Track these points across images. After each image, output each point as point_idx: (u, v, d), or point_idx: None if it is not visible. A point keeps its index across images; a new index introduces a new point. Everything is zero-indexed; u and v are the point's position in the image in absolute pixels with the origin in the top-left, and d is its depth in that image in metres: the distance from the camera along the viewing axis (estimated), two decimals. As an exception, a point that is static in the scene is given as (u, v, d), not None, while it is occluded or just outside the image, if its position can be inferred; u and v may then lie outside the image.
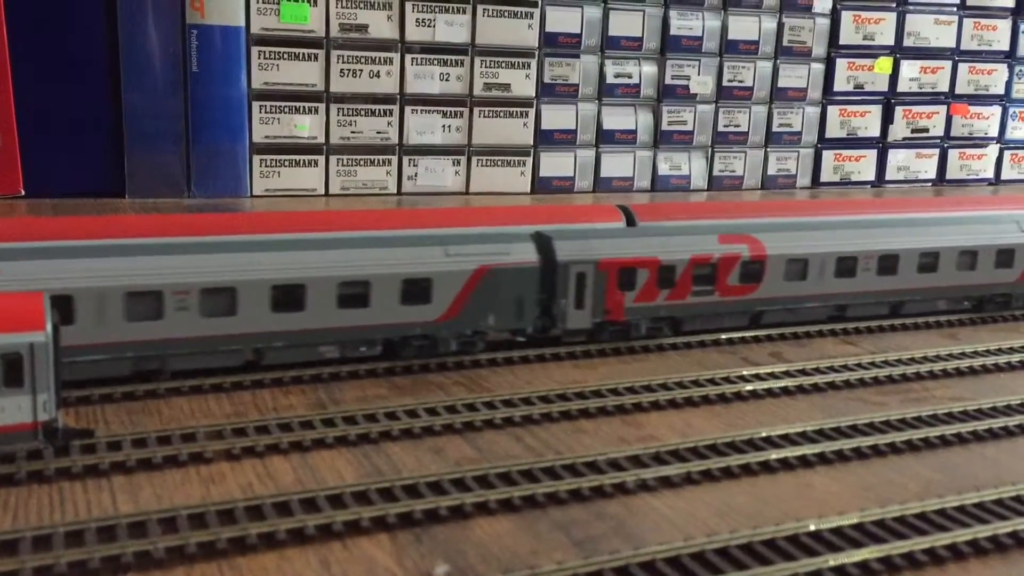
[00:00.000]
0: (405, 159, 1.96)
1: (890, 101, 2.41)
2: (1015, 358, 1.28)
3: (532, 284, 1.17)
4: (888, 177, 2.44)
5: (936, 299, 1.46)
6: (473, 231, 1.22)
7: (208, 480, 0.86)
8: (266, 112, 1.86)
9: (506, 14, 1.98)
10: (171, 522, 0.77)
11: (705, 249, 1.28)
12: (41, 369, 0.84)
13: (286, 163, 1.88)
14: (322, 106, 1.89)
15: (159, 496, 0.82)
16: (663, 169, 2.19)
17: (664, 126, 2.17)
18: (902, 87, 2.41)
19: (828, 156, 2.37)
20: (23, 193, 1.73)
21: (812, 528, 0.80)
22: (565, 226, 1.27)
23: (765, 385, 1.14)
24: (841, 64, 2.33)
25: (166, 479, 0.86)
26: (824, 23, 2.29)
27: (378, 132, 1.93)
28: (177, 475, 0.86)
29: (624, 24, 2.09)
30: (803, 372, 1.19)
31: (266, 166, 1.87)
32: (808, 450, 0.95)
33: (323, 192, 1.91)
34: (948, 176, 2.51)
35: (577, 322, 1.21)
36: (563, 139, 2.08)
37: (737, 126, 2.25)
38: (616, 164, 2.14)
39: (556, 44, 2.04)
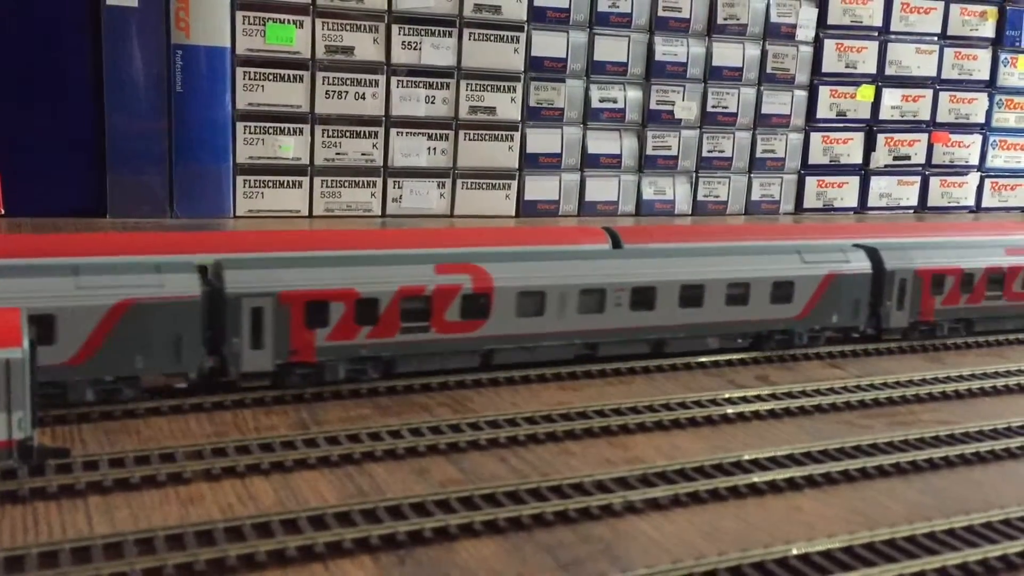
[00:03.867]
0: (390, 181, 1.96)
1: (872, 128, 2.43)
2: (1000, 382, 1.28)
3: (866, 289, 1.40)
4: (870, 204, 2.45)
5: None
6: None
7: (187, 501, 0.84)
8: (250, 133, 1.85)
9: (492, 38, 1.99)
10: (148, 543, 0.75)
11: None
12: (17, 386, 0.82)
13: (270, 184, 1.87)
14: (307, 127, 1.88)
15: (136, 517, 0.81)
16: (647, 194, 2.20)
17: (649, 151, 2.18)
18: (884, 115, 2.43)
19: (811, 182, 2.39)
20: (2, 212, 1.71)
21: (801, 551, 0.79)
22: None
23: (752, 407, 1.13)
24: (824, 91, 2.35)
25: (144, 500, 0.84)
26: (807, 51, 2.31)
27: (363, 154, 1.93)
28: (155, 496, 0.85)
29: (609, 49, 2.10)
30: (789, 395, 1.18)
31: (250, 187, 1.86)
32: (796, 473, 0.95)
33: (307, 213, 1.90)
34: (930, 203, 2.53)
35: (897, 321, 1.43)
36: (548, 163, 2.08)
37: (721, 151, 2.26)
38: (601, 188, 2.14)
39: (542, 68, 2.04)
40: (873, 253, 1.40)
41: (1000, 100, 2.55)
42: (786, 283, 1.33)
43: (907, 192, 2.50)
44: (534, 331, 1.19)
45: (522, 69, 2.02)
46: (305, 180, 1.90)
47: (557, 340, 1.21)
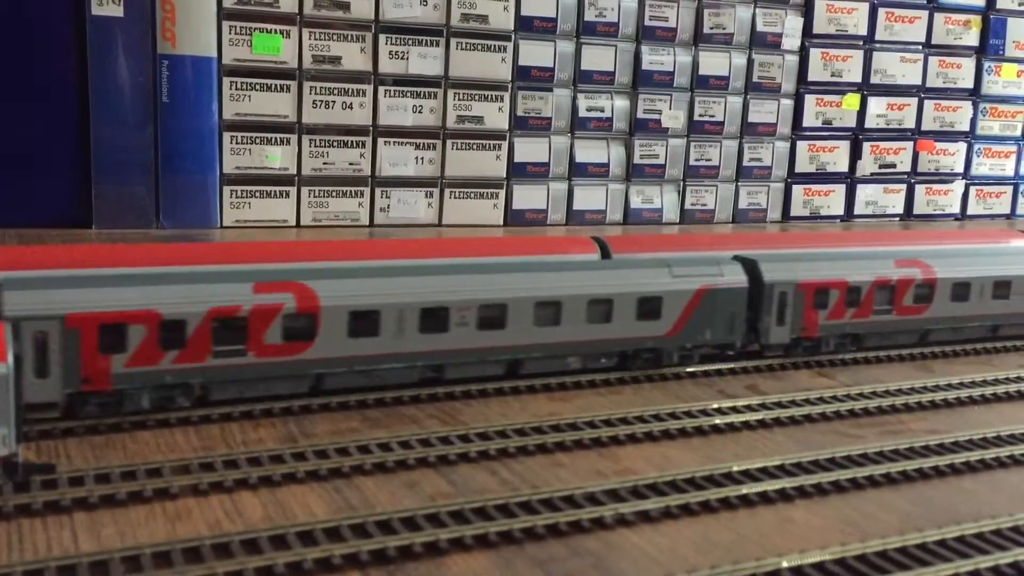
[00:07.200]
0: (378, 191, 1.95)
1: (858, 137, 2.44)
2: (988, 391, 1.28)
3: None
4: (857, 212, 2.46)
5: None
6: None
7: (174, 517, 0.83)
8: (237, 143, 1.84)
9: (479, 47, 1.98)
10: (135, 561, 0.74)
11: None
12: (1, 403, 0.81)
13: (257, 194, 1.86)
14: (294, 137, 1.87)
15: (122, 534, 0.80)
16: (635, 202, 2.20)
17: (636, 159, 2.18)
18: (869, 123, 2.44)
19: (798, 191, 2.39)
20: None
21: (794, 563, 0.79)
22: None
23: (742, 418, 1.13)
24: (810, 100, 2.36)
25: (130, 516, 0.83)
26: (793, 60, 2.32)
27: (350, 164, 1.92)
28: (142, 512, 0.84)
29: (596, 59, 2.10)
30: (779, 404, 1.18)
31: (237, 197, 1.85)
32: (787, 483, 0.94)
33: (294, 224, 1.90)
34: (915, 211, 2.54)
35: None
36: (536, 172, 2.08)
37: (708, 160, 2.27)
38: (589, 197, 2.14)
39: (529, 78, 2.04)
40: None
41: (984, 108, 2.57)
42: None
43: (893, 200, 2.51)
44: None
45: (509, 78, 2.02)
46: (292, 190, 1.89)
47: None
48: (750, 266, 1.33)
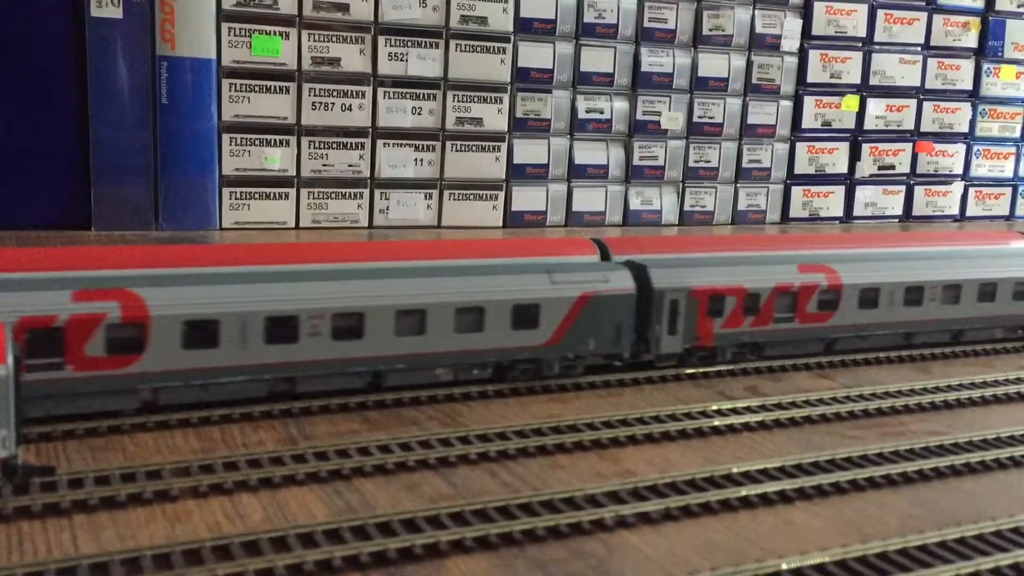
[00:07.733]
0: (377, 192, 1.95)
1: (857, 138, 2.44)
2: (988, 392, 1.28)
3: None
4: (856, 213, 2.46)
5: None
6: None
7: (174, 519, 0.83)
8: (236, 145, 1.84)
9: (479, 49, 1.98)
10: (135, 563, 0.74)
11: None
12: (1, 404, 0.81)
13: (256, 196, 1.86)
14: (293, 139, 1.87)
15: (122, 536, 0.80)
16: (634, 204, 2.20)
17: (635, 161, 2.18)
18: (869, 125, 2.44)
19: (797, 192, 2.39)
20: (-15, 225, 1.69)
21: (794, 565, 0.79)
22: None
23: (742, 419, 1.13)
24: (809, 102, 2.36)
25: (130, 518, 0.83)
26: (792, 61, 2.32)
27: (350, 165, 1.92)
28: (141, 514, 0.84)
29: (596, 60, 2.10)
30: (779, 406, 1.18)
31: (236, 199, 1.85)
32: (787, 485, 0.95)
33: (293, 225, 1.89)
34: (915, 212, 2.54)
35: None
36: (535, 173, 2.08)
37: (707, 162, 2.27)
38: (588, 198, 2.14)
39: (528, 79, 2.04)
40: None
41: (983, 110, 2.57)
42: None
43: (892, 201, 2.51)
44: None
45: (508, 80, 2.02)
46: (292, 192, 1.89)
47: None
48: (638, 272, 1.27)
